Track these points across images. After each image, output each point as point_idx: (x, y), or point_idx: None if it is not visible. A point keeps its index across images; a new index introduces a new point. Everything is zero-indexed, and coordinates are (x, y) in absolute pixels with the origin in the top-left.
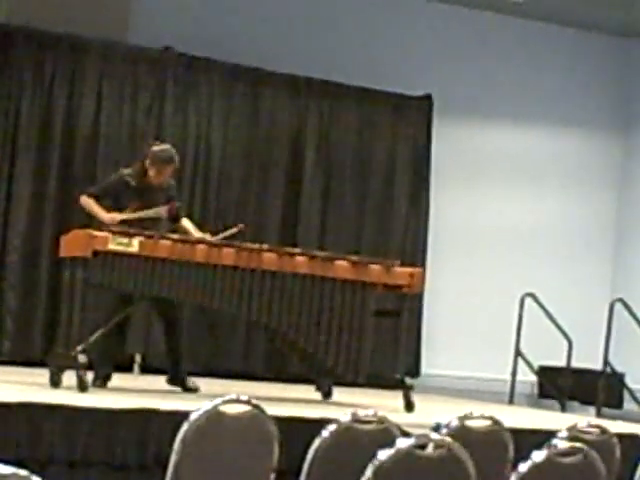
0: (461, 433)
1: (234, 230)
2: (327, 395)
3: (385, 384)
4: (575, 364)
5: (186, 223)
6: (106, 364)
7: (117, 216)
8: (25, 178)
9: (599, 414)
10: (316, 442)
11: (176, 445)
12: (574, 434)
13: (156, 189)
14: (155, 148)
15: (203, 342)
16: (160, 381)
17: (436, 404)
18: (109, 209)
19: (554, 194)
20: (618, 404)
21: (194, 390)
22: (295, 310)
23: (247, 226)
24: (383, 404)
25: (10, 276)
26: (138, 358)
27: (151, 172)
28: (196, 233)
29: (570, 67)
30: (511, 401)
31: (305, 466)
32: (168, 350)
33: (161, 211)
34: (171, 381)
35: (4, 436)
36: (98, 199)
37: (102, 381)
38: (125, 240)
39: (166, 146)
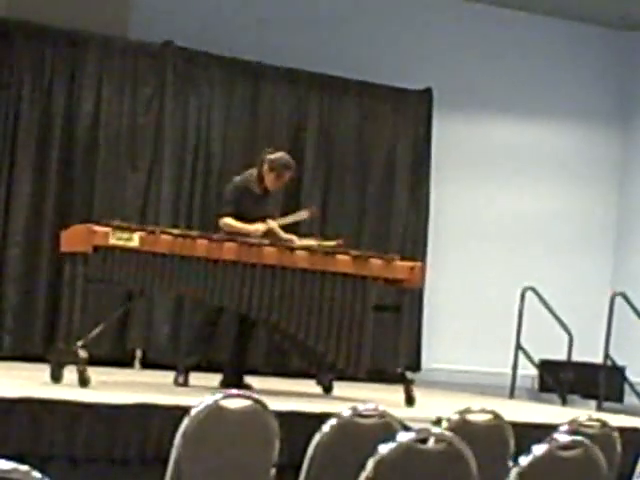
0: (462, 427)
1: (303, 214)
2: (328, 389)
3: (386, 378)
4: (576, 358)
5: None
6: (191, 358)
7: (260, 227)
8: (25, 173)
9: (600, 408)
10: (317, 436)
11: (177, 440)
12: (575, 428)
13: (269, 195)
14: (272, 155)
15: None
16: (161, 376)
17: (437, 398)
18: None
19: (554, 187)
20: (619, 398)
21: (250, 387)
22: (296, 304)
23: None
24: (384, 398)
25: (11, 271)
26: (139, 353)
27: (269, 178)
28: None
29: (570, 60)
30: (512, 395)
31: (306, 460)
32: (234, 351)
33: (304, 214)
34: (226, 383)
35: (5, 431)
36: (232, 215)
37: (185, 377)
38: (125, 235)
39: (283, 154)
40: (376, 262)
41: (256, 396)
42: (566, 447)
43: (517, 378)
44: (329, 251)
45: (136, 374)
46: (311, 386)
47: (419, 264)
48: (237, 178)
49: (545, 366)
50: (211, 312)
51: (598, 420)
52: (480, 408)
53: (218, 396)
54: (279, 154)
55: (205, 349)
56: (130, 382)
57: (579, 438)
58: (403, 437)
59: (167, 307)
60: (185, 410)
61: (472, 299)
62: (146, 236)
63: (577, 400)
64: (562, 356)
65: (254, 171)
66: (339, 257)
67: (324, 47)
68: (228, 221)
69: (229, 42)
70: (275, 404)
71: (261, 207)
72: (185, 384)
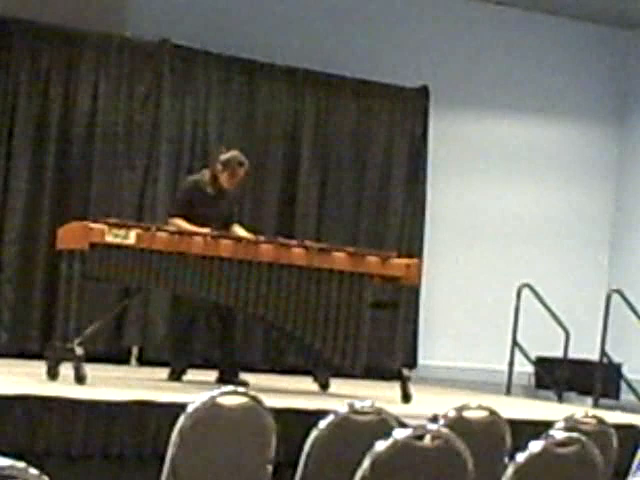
0: (458, 424)
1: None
2: (324, 386)
3: (382, 375)
4: (572, 355)
5: (237, 228)
6: (182, 359)
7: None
8: (22, 170)
9: (596, 405)
10: (313, 433)
11: (173, 437)
12: (571, 424)
13: (225, 194)
14: (225, 154)
15: (200, 334)
16: (157, 373)
17: (433, 395)
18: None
19: (551, 185)
20: (615, 394)
21: (245, 384)
22: (292, 302)
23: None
24: (380, 395)
25: (7, 269)
26: (135, 350)
27: (223, 176)
28: (244, 233)
29: (567, 58)
30: (508, 392)
31: (302, 457)
32: (223, 349)
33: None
34: (222, 380)
35: (2, 428)
36: (182, 216)
37: (178, 375)
38: (122, 232)
39: (235, 152)
40: (373, 259)
41: (252, 393)
42: (562, 444)
43: (513, 375)
44: (325, 248)
45: (132, 371)
46: (308, 383)
47: (415, 261)
48: (189, 178)
49: (541, 363)
50: (187, 314)
51: (594, 417)
52: (476, 405)
53: (214, 393)
54: (231, 152)
55: (189, 351)
56: (127, 379)
57: (575, 435)
58: (399, 434)
59: (163, 304)
60: (181, 407)
61: (468, 296)
62: (142, 233)
63: (573, 397)
64: (558, 353)
65: (207, 171)
66: (336, 254)
67: (320, 45)
68: (177, 222)
69: (225, 40)
70: (272, 401)
71: (214, 207)
72: (179, 379)
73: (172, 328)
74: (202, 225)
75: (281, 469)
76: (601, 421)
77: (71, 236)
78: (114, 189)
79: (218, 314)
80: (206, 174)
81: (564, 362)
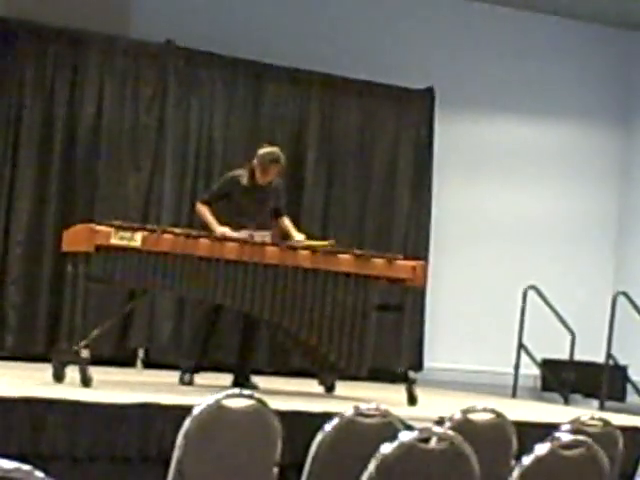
0: (464, 426)
1: (324, 243)
2: (330, 389)
3: (388, 378)
4: (578, 357)
5: (286, 222)
6: (188, 359)
7: (227, 233)
8: (27, 172)
9: (602, 407)
10: (319, 436)
11: (179, 439)
12: (577, 427)
13: (265, 189)
14: (262, 150)
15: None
16: (163, 376)
17: (439, 397)
18: (225, 210)
19: (556, 186)
20: (621, 397)
21: (255, 387)
22: (298, 304)
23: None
24: (386, 398)
25: (13, 271)
26: (141, 353)
27: (257, 172)
28: (294, 233)
29: (572, 59)
30: (514, 394)
31: (308, 460)
32: (242, 350)
33: (265, 236)
34: (237, 383)
35: (7, 431)
36: (211, 204)
37: (190, 376)
38: (128, 234)
39: (273, 148)
40: (378, 261)
41: (258, 395)
42: (568, 446)
43: (519, 377)
44: (331, 250)
45: (138, 374)
46: (313, 385)
47: (421, 263)
48: (234, 170)
49: (547, 365)
50: (209, 314)
51: (600, 419)
52: (482, 407)
53: (220, 396)
54: (269, 148)
55: (202, 352)
56: (132, 382)
57: (581, 437)
58: (405, 436)
59: (169, 306)
60: (187, 410)
61: (474, 298)
62: (148, 236)
63: (579, 399)
64: (564, 355)
65: (248, 164)
66: (341, 256)
67: (325, 46)
68: (199, 207)
69: (230, 41)
70: (277, 403)
71: (250, 199)
72: (190, 383)
73: (192, 327)
74: (239, 216)
75: (287, 472)
76: (607, 423)
77: (77, 238)
78: (119, 191)
79: (244, 318)
80: (246, 167)
81: (570, 364)
